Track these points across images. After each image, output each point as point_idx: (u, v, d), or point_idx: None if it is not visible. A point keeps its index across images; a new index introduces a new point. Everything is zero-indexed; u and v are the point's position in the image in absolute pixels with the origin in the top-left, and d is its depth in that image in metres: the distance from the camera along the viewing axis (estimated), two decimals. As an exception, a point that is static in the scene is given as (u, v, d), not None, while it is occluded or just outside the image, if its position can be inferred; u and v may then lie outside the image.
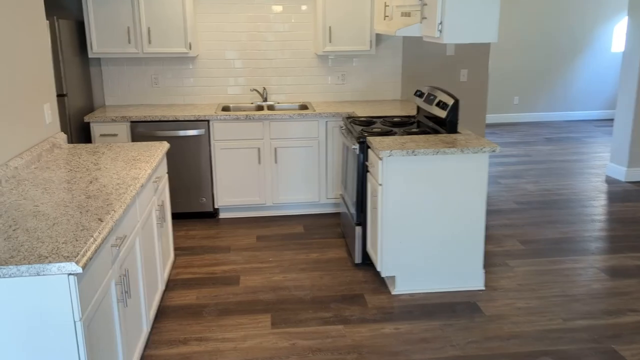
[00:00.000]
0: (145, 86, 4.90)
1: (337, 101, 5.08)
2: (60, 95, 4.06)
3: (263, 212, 4.73)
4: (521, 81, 8.65)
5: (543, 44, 8.54)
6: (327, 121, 4.53)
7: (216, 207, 4.62)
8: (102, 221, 2.05)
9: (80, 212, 2.13)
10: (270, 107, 4.91)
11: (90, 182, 2.54)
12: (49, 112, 3.18)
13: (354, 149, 3.55)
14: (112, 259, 2.15)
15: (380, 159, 3.16)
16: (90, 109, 4.69)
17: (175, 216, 4.62)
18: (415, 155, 3.14)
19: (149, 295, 2.81)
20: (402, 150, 3.12)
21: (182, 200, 4.54)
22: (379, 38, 4.96)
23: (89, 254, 1.80)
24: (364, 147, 3.50)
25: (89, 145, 3.32)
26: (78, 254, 1.76)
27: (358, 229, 3.64)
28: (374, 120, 4.07)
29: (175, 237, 4.27)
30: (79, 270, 1.71)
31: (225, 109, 4.84)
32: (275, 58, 4.96)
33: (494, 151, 3.19)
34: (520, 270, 3.65)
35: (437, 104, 3.62)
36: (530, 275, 3.58)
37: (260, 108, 4.88)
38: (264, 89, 4.98)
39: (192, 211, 4.60)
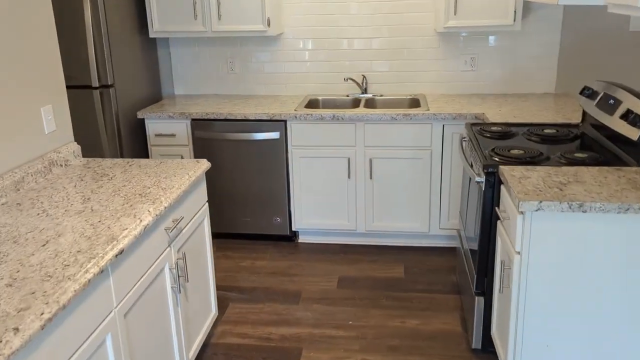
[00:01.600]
0: (220, 72, 3.99)
1: (463, 94, 3.78)
2: (104, 87, 3.27)
3: (353, 239, 3.64)
4: None
5: None
6: (444, 124, 3.29)
7: (293, 229, 3.62)
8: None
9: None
10: (370, 102, 3.76)
11: (44, 245, 1.64)
12: (51, 118, 2.34)
13: (478, 182, 2.31)
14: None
15: (521, 212, 1.91)
16: (155, 99, 3.89)
17: (243, 237, 3.71)
18: (584, 212, 1.83)
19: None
20: (561, 203, 1.84)
21: (251, 220, 3.61)
22: (527, 7, 3.55)
23: None
24: (494, 180, 2.25)
25: (106, 161, 2.45)
26: None
27: (479, 301, 2.42)
28: (514, 130, 2.75)
29: (237, 270, 3.36)
30: None
31: (313, 102, 3.78)
32: (380, 37, 3.77)
33: None
34: None
35: (624, 116, 2.23)
36: None
37: (357, 102, 3.75)
38: (364, 77, 3.83)
39: (263, 233, 3.66)
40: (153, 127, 3.52)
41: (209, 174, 3.54)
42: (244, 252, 3.58)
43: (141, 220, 1.81)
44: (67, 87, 3.26)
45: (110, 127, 3.32)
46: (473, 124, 2.89)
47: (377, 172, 3.41)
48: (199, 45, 3.95)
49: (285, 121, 3.41)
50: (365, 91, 3.83)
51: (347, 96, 3.83)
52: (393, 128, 3.32)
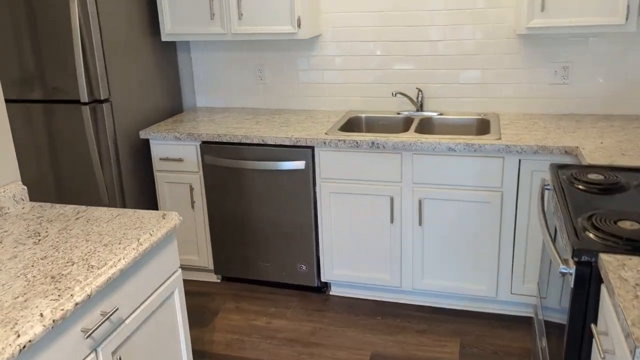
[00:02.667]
0: (247, 82, 3.35)
1: (549, 115, 2.90)
2: (97, 102, 2.73)
3: (396, 297, 2.88)
4: None
5: None
6: (521, 159, 2.45)
7: (323, 280, 2.92)
8: None
9: None
10: (426, 123, 2.97)
11: None
12: (-22, 154, 1.79)
13: (563, 273, 1.49)
14: None
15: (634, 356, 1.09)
16: (172, 112, 3.33)
17: (265, 283, 3.05)
18: None
19: None
20: None
21: (271, 266, 2.94)
22: (644, -1, 2.61)
23: None
24: (591, 275, 1.42)
25: (53, 209, 1.86)
26: None
27: None
28: (623, 179, 1.88)
29: (248, 331, 2.70)
30: None
31: (353, 122, 3.05)
32: (443, 39, 2.97)
33: None
34: None
35: None
36: None
37: (408, 123, 2.97)
38: (419, 91, 3.03)
39: (285, 282, 2.98)
40: (158, 149, 2.94)
41: (220, 207, 2.91)
42: (262, 304, 2.92)
43: (18, 336, 1.18)
44: (53, 101, 2.75)
45: (105, 149, 2.77)
46: (561, 167, 2.04)
47: (428, 216, 2.63)
48: (223, 50, 3.33)
49: (312, 148, 2.71)
50: (420, 108, 3.04)
51: (398, 114, 3.06)
52: (451, 161, 2.53)
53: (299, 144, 2.68)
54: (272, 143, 2.72)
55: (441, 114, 3.00)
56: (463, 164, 2.51)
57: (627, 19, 2.42)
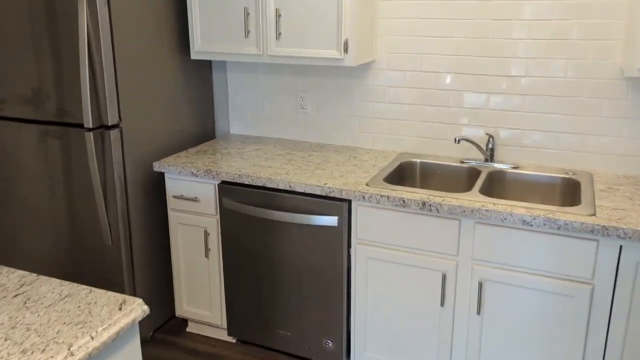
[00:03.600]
0: (287, 109, 2.89)
1: (660, 179, 2.24)
2: (105, 127, 2.35)
3: (442, 393, 2.30)
4: None
5: None
6: (622, 245, 1.82)
7: None
8: None
9: None
10: (497, 178, 2.38)
11: None
12: None
13: None
14: None
15: None
16: (202, 139, 2.92)
17: (283, 353, 2.55)
18: None
19: None
20: None
21: (292, 335, 2.44)
22: None
23: None
24: None
25: (9, 281, 1.47)
26: None
27: None
28: None
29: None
30: None
31: (406, 168, 2.51)
32: (525, 75, 2.37)
33: None
34: None
35: None
36: None
37: (474, 176, 2.40)
38: (490, 137, 2.45)
39: (308, 358, 2.47)
40: (172, 185, 2.53)
41: (237, 258, 2.45)
42: (276, 379, 2.43)
43: None
44: (57, 123, 2.40)
45: (110, 182, 2.39)
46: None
47: (490, 303, 2.05)
48: (262, 71, 2.89)
49: (348, 201, 2.20)
50: (490, 158, 2.46)
51: (462, 163, 2.49)
52: (526, 237, 1.94)
53: (332, 194, 2.18)
54: (300, 191, 2.23)
55: (516, 167, 2.40)
56: (541, 242, 1.92)
57: None
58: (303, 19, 2.36)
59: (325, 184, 2.20)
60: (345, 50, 2.32)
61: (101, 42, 2.22)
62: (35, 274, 1.47)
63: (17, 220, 2.67)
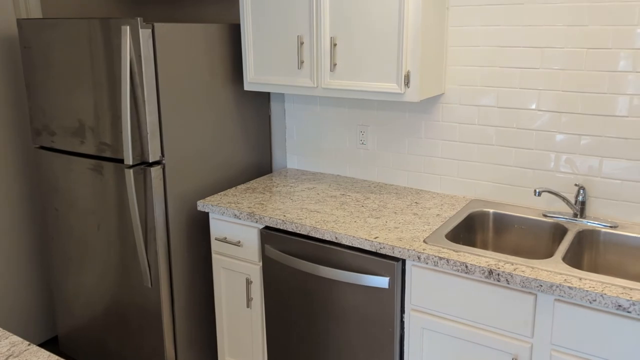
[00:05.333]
0: (346, 144, 2.64)
1: None
2: (146, 164, 2.22)
3: None
4: None
5: None
6: None
7: None
8: None
9: None
10: (587, 239, 1.96)
11: None
12: None
13: None
14: None
15: None
16: (259, 172, 2.74)
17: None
18: None
19: None
20: None
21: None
22: None
23: None
24: None
25: (-9, 340, 1.33)
26: None
27: None
28: None
29: None
30: None
31: (476, 219, 2.15)
32: (628, 116, 1.95)
33: None
34: None
35: None
36: None
37: (560, 233, 2.00)
38: (580, 189, 2.04)
39: None
40: (216, 226, 2.34)
41: (280, 313, 2.21)
42: None
43: None
44: (100, 158, 2.31)
45: (151, 221, 2.25)
46: None
47: (572, 400, 1.65)
48: (320, 103, 2.66)
49: (402, 261, 1.89)
50: (580, 213, 2.04)
51: (545, 216, 2.10)
52: (621, 325, 1.53)
53: (383, 251, 1.88)
54: (347, 244, 1.96)
55: (615, 226, 1.97)
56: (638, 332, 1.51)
57: None
58: (361, 49, 2.11)
59: (376, 237, 1.91)
60: (407, 83, 2.03)
61: (143, 75, 2.10)
62: (27, 343, 1.32)
63: (66, 250, 2.61)
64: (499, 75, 2.16)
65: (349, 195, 2.37)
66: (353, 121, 2.58)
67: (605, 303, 1.52)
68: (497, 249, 2.18)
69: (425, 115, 2.37)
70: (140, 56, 2.08)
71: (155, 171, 2.21)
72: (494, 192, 2.27)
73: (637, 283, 1.56)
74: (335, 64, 2.18)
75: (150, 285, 2.32)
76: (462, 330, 1.80)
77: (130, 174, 2.18)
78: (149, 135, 2.16)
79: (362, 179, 2.61)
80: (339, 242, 1.98)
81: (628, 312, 1.49)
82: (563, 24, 1.99)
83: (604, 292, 1.52)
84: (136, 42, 2.07)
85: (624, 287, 1.54)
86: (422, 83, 2.06)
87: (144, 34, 2.07)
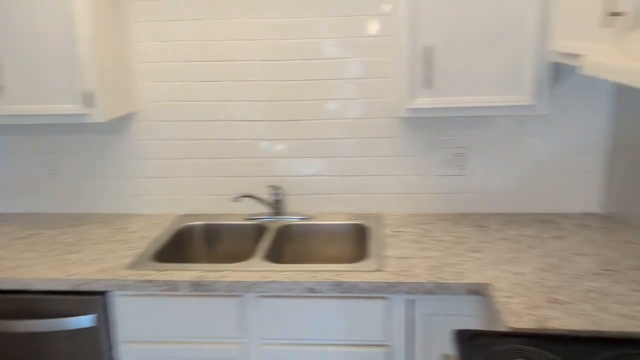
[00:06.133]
0: (32, 175, 2.33)
1: (446, 215, 2.20)
2: None
3: None
4: None
5: None
6: (407, 300, 1.68)
7: None
8: None
9: None
10: (286, 233, 2.13)
11: None
12: None
13: None
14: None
15: None
16: None
17: None
18: None
19: None
20: None
21: None
22: (562, 72, 2.02)
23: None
24: None
25: None
26: None
27: None
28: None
29: None
30: None
31: (186, 236, 2.15)
32: (304, 119, 2.20)
33: None
34: None
35: None
36: None
37: (260, 230, 2.14)
38: (273, 189, 2.22)
39: None
40: None
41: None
42: None
43: None
44: None
45: None
46: (468, 337, 1.28)
47: (287, 385, 1.77)
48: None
49: (104, 293, 1.76)
50: (278, 211, 2.22)
51: (249, 220, 2.21)
52: (313, 305, 1.70)
53: (83, 287, 1.73)
54: (39, 289, 1.74)
55: (307, 218, 2.19)
56: (331, 308, 1.70)
57: (537, 97, 1.78)
58: (33, 67, 1.89)
59: (73, 275, 1.74)
60: (89, 103, 1.91)
61: None
62: None
63: None
64: (193, 90, 2.19)
65: (41, 234, 2.12)
66: (39, 148, 2.31)
67: (300, 288, 1.67)
68: (211, 259, 2.21)
69: (122, 136, 2.26)
70: None
71: None
72: (204, 205, 2.30)
73: (323, 265, 1.76)
74: (2, 87, 1.91)
75: None
76: (179, 350, 1.77)
77: None
78: None
79: (57, 212, 2.36)
80: (31, 289, 1.74)
81: (318, 292, 1.67)
82: (246, 39, 2.12)
83: (296, 279, 1.67)
84: None
85: (313, 271, 1.71)
86: (110, 101, 1.96)
87: None
